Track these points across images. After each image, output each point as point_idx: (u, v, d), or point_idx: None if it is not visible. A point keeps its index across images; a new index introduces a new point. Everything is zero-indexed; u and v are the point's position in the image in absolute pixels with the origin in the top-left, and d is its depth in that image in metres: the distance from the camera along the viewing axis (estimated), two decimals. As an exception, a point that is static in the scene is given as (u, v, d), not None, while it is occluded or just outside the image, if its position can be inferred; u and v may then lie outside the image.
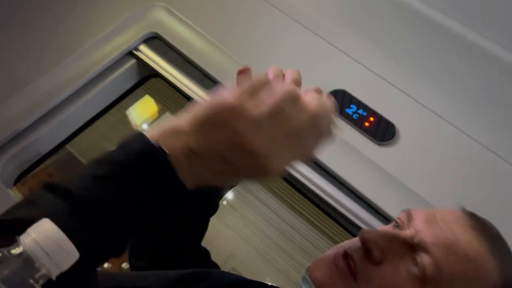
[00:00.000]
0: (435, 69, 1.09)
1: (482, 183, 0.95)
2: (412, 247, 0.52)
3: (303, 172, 0.97)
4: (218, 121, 0.40)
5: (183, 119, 0.42)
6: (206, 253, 0.76)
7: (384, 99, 1.04)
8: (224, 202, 3.15)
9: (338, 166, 0.96)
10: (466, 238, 0.51)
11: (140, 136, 0.40)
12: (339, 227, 0.99)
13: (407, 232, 0.53)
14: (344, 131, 0.99)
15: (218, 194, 0.64)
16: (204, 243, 0.75)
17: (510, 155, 0.97)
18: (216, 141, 0.40)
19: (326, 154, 0.96)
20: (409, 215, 0.55)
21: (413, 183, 0.93)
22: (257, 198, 2.81)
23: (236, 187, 2.94)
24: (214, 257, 0.79)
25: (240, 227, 3.08)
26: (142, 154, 0.39)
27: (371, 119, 1.01)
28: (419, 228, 0.52)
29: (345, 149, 0.97)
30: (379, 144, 0.98)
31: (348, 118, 1.01)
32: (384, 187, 0.93)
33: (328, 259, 0.55)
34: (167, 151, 0.39)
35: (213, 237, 3.17)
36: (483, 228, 0.53)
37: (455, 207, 0.58)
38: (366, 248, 0.52)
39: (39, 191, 0.38)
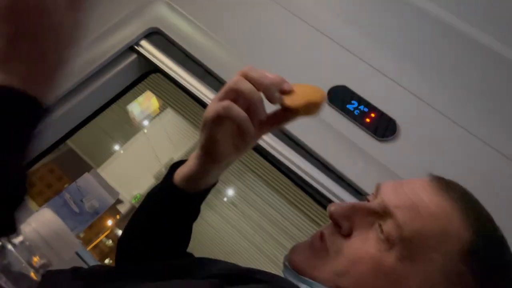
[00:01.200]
0: (436, 65, 1.09)
1: (483, 179, 0.94)
2: (379, 215, 0.53)
3: (304, 168, 0.97)
4: None
5: None
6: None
7: (385, 95, 1.04)
8: (225, 199, 3.16)
9: (339, 162, 0.96)
10: (429, 198, 0.52)
11: None
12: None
13: (373, 202, 0.54)
14: (345, 127, 0.99)
15: (198, 198, 0.64)
16: (205, 240, 0.76)
17: (512, 152, 0.97)
18: None
19: (327, 150, 0.97)
20: (378, 188, 0.57)
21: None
22: (258, 195, 2.82)
23: (236, 184, 2.94)
24: (215, 254, 0.79)
25: (241, 223, 3.09)
26: None
27: (372, 115, 1.00)
28: (385, 196, 0.53)
29: (346, 145, 0.97)
30: (380, 140, 0.98)
31: (349, 114, 1.00)
32: (385, 183, 0.93)
33: (305, 242, 0.57)
34: None
35: (214, 234, 3.17)
36: (448, 186, 0.54)
37: (424, 175, 0.58)
38: (334, 221, 0.54)
39: None
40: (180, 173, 0.61)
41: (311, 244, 0.55)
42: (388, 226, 0.51)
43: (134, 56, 1.12)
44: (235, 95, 0.52)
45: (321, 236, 0.55)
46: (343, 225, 0.53)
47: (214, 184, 0.64)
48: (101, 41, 1.09)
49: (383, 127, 0.99)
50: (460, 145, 0.99)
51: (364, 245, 0.52)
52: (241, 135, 0.55)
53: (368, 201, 0.57)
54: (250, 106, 0.52)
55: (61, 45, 0.46)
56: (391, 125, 0.99)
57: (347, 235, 0.53)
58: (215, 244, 3.21)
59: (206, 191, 0.63)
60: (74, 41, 0.47)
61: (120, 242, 0.70)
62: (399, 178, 0.92)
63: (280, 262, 0.61)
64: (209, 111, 0.53)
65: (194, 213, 0.66)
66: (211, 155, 0.57)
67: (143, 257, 0.65)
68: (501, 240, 0.53)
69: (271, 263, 2.97)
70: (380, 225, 0.52)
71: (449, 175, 0.94)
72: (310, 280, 0.52)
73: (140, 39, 1.12)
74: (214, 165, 0.59)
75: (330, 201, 0.95)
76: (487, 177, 0.95)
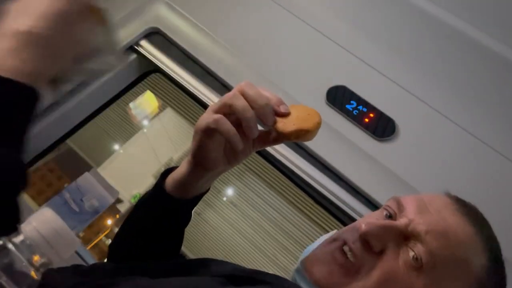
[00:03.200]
0: (435, 65, 1.09)
1: (482, 179, 0.95)
2: (406, 236, 0.53)
3: (304, 168, 0.97)
4: None
5: None
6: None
7: (384, 95, 1.04)
8: (224, 199, 3.16)
9: (338, 162, 0.96)
10: (456, 223, 0.53)
11: None
12: (340, 223, 1.00)
13: (401, 222, 0.54)
14: (344, 127, 0.99)
15: (189, 205, 0.64)
16: (205, 240, 0.76)
17: (511, 152, 0.97)
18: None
19: (326, 150, 0.97)
20: (399, 204, 0.56)
21: (413, 179, 0.93)
22: (258, 195, 2.82)
23: (236, 184, 2.94)
24: (214, 254, 0.79)
25: (240, 223, 3.09)
26: None
27: (371, 115, 1.01)
28: (412, 217, 0.54)
29: (345, 145, 0.97)
30: (379, 140, 0.98)
31: (348, 114, 1.01)
32: (384, 183, 0.93)
33: (325, 254, 0.55)
34: None
35: (213, 234, 3.17)
36: (469, 212, 0.55)
37: (440, 191, 0.60)
38: (366, 240, 0.53)
39: None
40: (171, 180, 0.62)
41: (335, 260, 0.54)
42: (419, 250, 0.51)
43: (134, 56, 1.12)
44: (229, 110, 0.52)
45: (341, 249, 0.54)
46: (375, 245, 0.53)
47: (205, 192, 0.64)
48: (101, 41, 1.09)
49: (382, 127, 0.99)
50: (458, 145, 0.99)
51: (395, 266, 0.52)
52: (231, 149, 0.56)
53: (390, 215, 0.56)
54: (242, 123, 0.52)
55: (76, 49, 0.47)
56: (390, 125, 1.00)
57: (378, 253, 0.53)
58: (214, 244, 3.21)
59: (197, 198, 0.63)
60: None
61: (111, 247, 0.70)
62: (398, 177, 0.93)
63: (280, 262, 0.61)
64: (201, 122, 0.53)
65: (185, 219, 0.66)
66: (201, 163, 0.57)
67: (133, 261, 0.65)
68: (503, 264, 0.56)
69: (271, 263, 2.97)
70: (410, 248, 0.52)
71: (447, 175, 0.95)
72: None
73: (140, 39, 1.12)
74: (204, 173, 0.59)
75: (329, 201, 0.95)
76: (485, 177, 0.96)
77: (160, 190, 0.62)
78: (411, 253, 0.52)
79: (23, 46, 0.43)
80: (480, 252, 0.52)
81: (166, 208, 0.62)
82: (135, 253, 0.66)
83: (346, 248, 0.54)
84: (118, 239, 0.70)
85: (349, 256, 0.53)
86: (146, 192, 0.67)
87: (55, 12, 0.46)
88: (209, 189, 0.65)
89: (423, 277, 0.51)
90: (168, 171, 0.64)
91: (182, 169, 0.60)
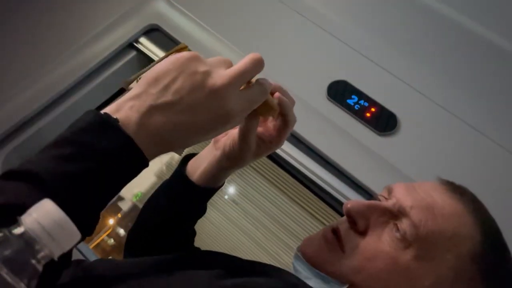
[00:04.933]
0: (437, 59, 1.09)
1: (484, 173, 0.94)
2: (394, 215, 0.54)
3: (305, 163, 0.97)
4: (173, 70, 0.43)
5: (136, 87, 0.44)
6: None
7: (385, 90, 1.04)
8: (225, 196, 3.16)
9: (340, 157, 0.96)
10: (442, 199, 0.54)
11: (89, 111, 0.43)
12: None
13: (388, 202, 0.55)
14: (346, 122, 0.99)
15: (205, 195, 0.65)
16: (206, 238, 0.76)
17: (512, 145, 0.97)
18: (177, 89, 0.42)
19: (328, 145, 0.97)
20: (389, 190, 0.58)
21: (414, 173, 0.93)
22: (259, 192, 2.82)
23: (237, 181, 2.94)
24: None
25: (241, 220, 3.09)
26: (93, 126, 0.41)
27: (373, 109, 1.00)
28: (399, 197, 0.55)
29: (346, 140, 0.97)
30: (380, 135, 0.98)
31: (349, 108, 1.00)
32: (386, 177, 0.93)
33: (317, 235, 0.57)
34: (117, 118, 0.41)
35: (214, 231, 3.17)
36: (457, 190, 0.56)
37: (432, 178, 0.60)
38: (350, 218, 0.55)
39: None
40: (195, 168, 0.63)
41: (325, 238, 0.56)
42: (404, 225, 0.52)
43: (133, 53, 1.12)
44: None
45: (334, 230, 0.56)
46: (359, 222, 0.54)
47: (222, 185, 0.66)
48: (100, 38, 1.09)
49: (383, 122, 0.99)
50: (460, 139, 0.99)
51: (380, 243, 0.52)
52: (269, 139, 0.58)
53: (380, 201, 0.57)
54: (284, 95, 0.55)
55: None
56: (392, 119, 0.99)
57: (363, 232, 0.54)
58: (216, 241, 3.21)
59: (215, 190, 0.65)
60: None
61: (130, 233, 0.71)
62: (399, 172, 0.93)
63: (281, 258, 0.61)
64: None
65: (202, 209, 0.67)
66: (236, 161, 0.59)
67: (150, 249, 0.65)
68: (505, 244, 0.55)
69: (272, 260, 2.97)
70: (395, 224, 0.53)
71: (449, 169, 0.95)
72: (323, 274, 0.53)
73: (140, 36, 1.12)
74: (233, 169, 0.61)
75: (331, 196, 0.95)
76: (488, 171, 0.95)
77: (182, 175, 0.63)
78: (396, 228, 0.52)
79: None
80: (470, 226, 0.52)
81: (187, 193, 0.63)
82: (152, 238, 0.67)
83: (335, 229, 0.56)
84: (137, 223, 0.71)
85: (337, 236, 0.55)
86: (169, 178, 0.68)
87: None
88: (224, 183, 0.67)
89: (409, 251, 0.51)
90: (188, 157, 0.66)
91: (209, 162, 0.61)
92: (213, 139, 0.63)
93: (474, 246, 0.51)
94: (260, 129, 0.58)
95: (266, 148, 0.58)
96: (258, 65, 0.45)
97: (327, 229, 0.57)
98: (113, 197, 0.44)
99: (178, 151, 0.52)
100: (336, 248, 0.54)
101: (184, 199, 0.64)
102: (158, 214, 0.67)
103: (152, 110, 0.42)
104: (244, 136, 0.55)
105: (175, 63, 0.44)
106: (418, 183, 0.58)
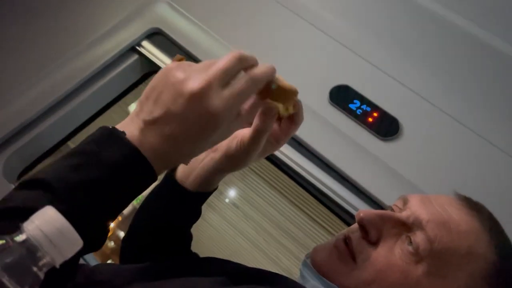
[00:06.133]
0: (439, 64, 1.09)
1: (486, 178, 0.94)
2: (408, 227, 0.53)
3: (306, 168, 0.96)
4: (160, 83, 0.44)
5: (137, 105, 0.46)
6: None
7: (387, 94, 1.03)
8: (226, 200, 3.15)
9: (341, 161, 0.96)
10: (459, 215, 0.52)
11: (101, 127, 0.45)
12: (344, 224, 0.99)
13: (403, 213, 0.54)
14: (348, 126, 0.99)
15: (199, 200, 0.64)
16: (207, 241, 0.75)
17: (515, 151, 0.97)
18: (163, 101, 0.42)
19: (329, 150, 0.97)
20: (404, 200, 0.57)
21: (417, 179, 0.92)
22: (259, 195, 2.81)
23: (238, 185, 2.94)
24: (216, 255, 0.78)
25: (242, 224, 3.08)
26: (101, 137, 0.43)
27: (375, 114, 1.00)
28: (414, 209, 0.54)
29: (348, 145, 0.97)
30: (382, 140, 0.98)
31: (351, 113, 1.00)
32: (388, 182, 0.93)
33: (329, 244, 0.56)
34: (124, 132, 0.43)
35: (215, 235, 3.17)
36: (474, 207, 0.55)
37: (448, 192, 0.59)
38: (362, 227, 0.54)
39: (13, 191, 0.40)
40: (187, 173, 0.61)
41: (336, 248, 0.55)
42: (418, 238, 0.51)
43: (135, 56, 1.12)
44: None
45: (346, 239, 0.55)
46: (371, 233, 0.53)
47: (216, 188, 0.64)
48: (102, 42, 1.09)
49: (385, 127, 0.99)
50: (463, 144, 0.98)
51: (391, 255, 0.52)
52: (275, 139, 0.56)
53: (394, 210, 0.57)
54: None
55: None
56: (394, 124, 0.99)
57: (374, 243, 0.53)
58: (216, 245, 3.20)
59: (209, 194, 0.64)
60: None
61: (124, 241, 0.70)
62: (401, 177, 0.93)
63: (282, 263, 0.61)
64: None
65: (197, 213, 0.66)
66: (238, 162, 0.57)
67: (146, 256, 0.65)
68: None
69: (273, 264, 2.96)
70: (408, 237, 0.52)
71: (451, 174, 0.94)
72: (332, 284, 0.52)
73: (142, 40, 1.12)
74: (231, 172, 0.59)
75: (333, 201, 0.95)
76: (490, 177, 0.95)
77: (172, 181, 0.62)
78: (408, 241, 0.52)
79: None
80: (485, 245, 0.51)
81: (180, 199, 0.62)
82: (146, 245, 0.66)
83: (347, 238, 0.55)
84: (130, 231, 0.70)
85: (348, 246, 0.54)
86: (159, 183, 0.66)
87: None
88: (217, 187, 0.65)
89: (421, 266, 0.50)
90: None
91: (205, 164, 0.59)
92: None
93: (487, 266, 0.51)
94: None
95: (271, 148, 0.57)
96: (237, 62, 0.43)
97: (339, 238, 0.56)
98: (120, 208, 0.43)
99: (185, 161, 0.51)
100: (347, 259, 0.53)
101: (177, 206, 0.63)
102: (152, 222, 0.66)
103: (148, 125, 0.43)
104: (258, 135, 0.52)
105: (160, 76, 0.44)
106: (434, 195, 0.57)
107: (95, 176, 0.40)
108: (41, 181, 0.39)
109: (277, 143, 0.56)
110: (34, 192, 0.39)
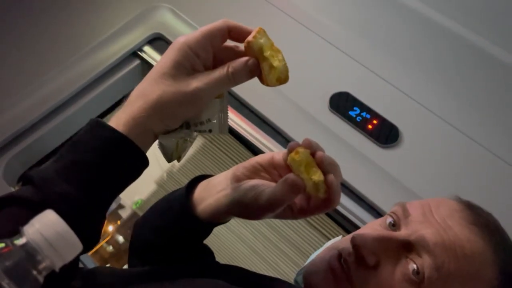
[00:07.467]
0: (439, 72, 1.09)
1: (486, 186, 0.94)
2: (407, 247, 0.51)
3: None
4: None
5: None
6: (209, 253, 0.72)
7: (387, 102, 1.04)
8: (226, 205, 3.14)
9: (341, 169, 0.95)
10: (462, 234, 0.50)
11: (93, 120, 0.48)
12: (343, 231, 0.99)
13: (402, 233, 0.52)
14: (348, 134, 0.99)
15: (208, 229, 0.59)
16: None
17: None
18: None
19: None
20: (404, 210, 0.54)
21: (416, 186, 0.92)
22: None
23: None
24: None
25: (241, 229, 3.08)
26: (84, 127, 0.47)
27: (375, 121, 1.00)
28: (416, 227, 0.51)
29: (348, 152, 0.97)
30: (382, 147, 0.98)
31: (351, 120, 1.00)
32: (388, 189, 0.93)
33: (323, 262, 0.53)
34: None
35: (214, 240, 3.16)
36: (479, 220, 0.52)
37: (449, 196, 0.58)
38: (359, 254, 0.51)
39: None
40: (201, 198, 0.56)
41: (332, 270, 0.52)
42: (425, 263, 0.49)
43: (137, 61, 1.12)
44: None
45: (339, 258, 0.52)
46: (368, 259, 0.50)
47: (229, 220, 0.59)
48: (104, 47, 1.10)
49: (385, 134, 0.99)
50: (462, 152, 0.98)
51: (392, 280, 0.49)
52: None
53: (394, 223, 0.54)
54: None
55: None
56: (393, 131, 0.99)
57: (373, 267, 0.50)
58: (215, 250, 3.19)
59: (221, 223, 0.60)
60: None
61: (132, 245, 0.66)
62: (401, 184, 0.93)
63: (280, 269, 0.60)
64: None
65: (206, 235, 0.62)
66: (247, 215, 0.52)
67: (153, 261, 0.63)
68: None
69: (272, 270, 2.95)
70: (410, 260, 0.50)
71: (450, 181, 0.94)
72: None
73: (143, 45, 1.12)
74: (240, 217, 0.54)
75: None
76: (490, 184, 0.95)
77: (187, 209, 0.56)
78: (412, 266, 0.49)
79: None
80: (489, 266, 0.50)
81: (190, 228, 0.57)
82: (153, 255, 0.62)
83: (341, 257, 0.52)
84: (137, 238, 0.65)
85: (344, 268, 0.51)
86: (171, 196, 0.62)
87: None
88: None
89: None
90: (196, 180, 0.60)
91: (217, 197, 0.54)
92: (234, 174, 0.54)
93: (490, 285, 0.50)
94: None
95: (291, 216, 0.51)
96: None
97: (332, 257, 0.52)
98: (111, 194, 0.45)
99: (178, 158, 0.51)
100: (345, 284, 0.51)
101: (186, 232, 0.58)
102: (159, 236, 0.60)
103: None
104: (275, 202, 0.47)
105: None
106: (435, 202, 0.54)
107: (77, 158, 0.43)
108: (27, 176, 0.42)
109: (299, 215, 0.51)
110: (23, 187, 0.42)
